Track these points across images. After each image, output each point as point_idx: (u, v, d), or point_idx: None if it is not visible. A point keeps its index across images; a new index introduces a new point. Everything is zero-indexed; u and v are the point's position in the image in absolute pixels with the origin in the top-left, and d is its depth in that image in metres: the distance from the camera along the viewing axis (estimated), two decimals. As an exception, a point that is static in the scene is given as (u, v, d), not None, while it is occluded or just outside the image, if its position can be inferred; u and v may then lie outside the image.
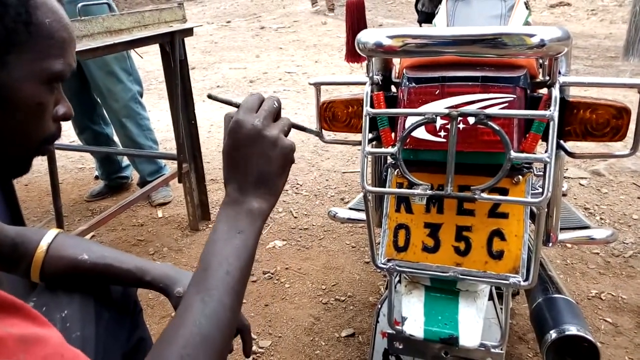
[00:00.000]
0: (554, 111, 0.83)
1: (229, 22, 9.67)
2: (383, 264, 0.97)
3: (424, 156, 0.96)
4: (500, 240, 0.92)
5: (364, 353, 1.56)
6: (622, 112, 0.92)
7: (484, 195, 0.85)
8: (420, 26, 2.17)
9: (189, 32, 2.08)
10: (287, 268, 2.02)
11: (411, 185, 0.90)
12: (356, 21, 1.52)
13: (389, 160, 1.03)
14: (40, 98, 0.57)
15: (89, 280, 0.83)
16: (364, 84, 0.99)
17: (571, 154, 1.02)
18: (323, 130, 1.15)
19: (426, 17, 2.20)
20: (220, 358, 0.55)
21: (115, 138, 2.70)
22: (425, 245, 0.96)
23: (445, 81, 0.93)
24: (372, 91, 0.98)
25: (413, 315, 0.96)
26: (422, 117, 0.86)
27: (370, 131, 0.96)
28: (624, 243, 2.06)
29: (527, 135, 0.89)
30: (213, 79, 5.58)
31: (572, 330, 0.96)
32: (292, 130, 0.66)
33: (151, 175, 2.61)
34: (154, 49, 2.15)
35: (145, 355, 0.53)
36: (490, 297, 1.03)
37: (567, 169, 2.72)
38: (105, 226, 2.35)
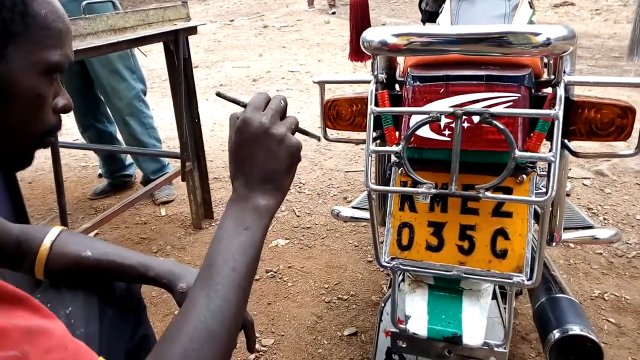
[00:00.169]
0: (558, 110, 0.83)
1: (232, 20, 9.68)
2: (387, 262, 0.97)
3: (428, 155, 0.96)
4: (504, 240, 0.92)
5: (367, 352, 1.56)
6: (627, 112, 0.92)
7: (488, 194, 0.85)
8: (424, 25, 2.16)
9: (192, 30, 2.08)
10: (289, 267, 2.03)
11: (415, 184, 0.90)
12: (360, 20, 1.52)
13: (393, 158, 1.03)
14: (40, 89, 0.57)
15: (93, 277, 0.83)
16: (369, 82, 0.99)
17: (575, 154, 1.01)
18: (327, 129, 1.15)
19: (430, 16, 2.20)
20: (225, 353, 0.55)
21: (119, 136, 2.71)
22: (429, 244, 0.96)
23: (450, 80, 0.93)
24: (376, 90, 0.98)
25: (416, 313, 0.96)
26: (426, 116, 0.86)
27: (374, 130, 0.96)
28: (627, 243, 2.06)
29: (532, 134, 0.89)
30: (216, 77, 5.58)
31: (575, 330, 0.96)
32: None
33: (154, 173, 2.62)
34: (158, 47, 2.15)
35: (149, 352, 0.54)
36: (494, 296, 1.03)
37: (570, 169, 2.72)
38: (108, 224, 2.36)
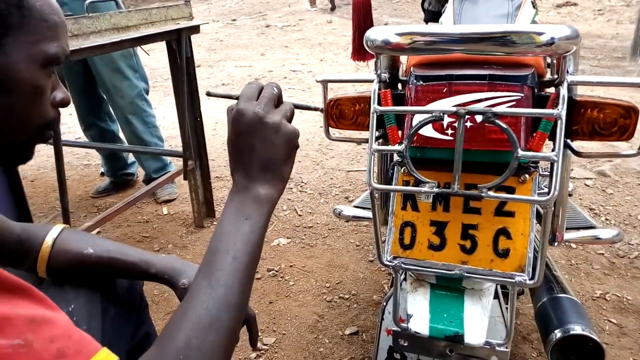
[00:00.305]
0: (561, 110, 0.83)
1: (234, 20, 9.68)
2: (389, 261, 0.97)
3: (431, 154, 0.96)
4: (506, 239, 0.92)
5: (368, 351, 1.56)
6: (630, 112, 0.92)
7: (491, 193, 0.85)
8: (427, 25, 2.16)
9: (195, 29, 2.08)
10: (291, 266, 2.03)
11: (418, 183, 0.90)
12: (362, 19, 1.52)
13: (396, 158, 1.03)
14: (38, 81, 0.57)
15: (95, 274, 0.83)
16: (372, 81, 1.00)
17: (578, 153, 1.01)
18: (330, 128, 1.15)
19: (432, 15, 2.19)
20: (228, 343, 0.55)
21: (121, 135, 2.71)
22: (431, 243, 0.96)
23: (453, 79, 0.93)
24: (379, 89, 0.99)
25: (418, 312, 0.96)
26: (429, 115, 0.86)
27: (377, 129, 0.97)
28: (629, 244, 2.06)
29: (535, 134, 0.89)
30: (218, 76, 5.59)
31: (577, 329, 0.96)
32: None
33: (156, 172, 2.62)
34: (161, 46, 2.16)
35: None
36: (496, 296, 1.03)
37: (572, 169, 2.71)
38: (110, 222, 2.36)
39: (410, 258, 0.97)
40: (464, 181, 0.93)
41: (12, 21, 0.54)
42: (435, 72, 0.96)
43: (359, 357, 1.54)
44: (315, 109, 0.77)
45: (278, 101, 0.65)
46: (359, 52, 1.48)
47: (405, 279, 1.05)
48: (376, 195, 0.98)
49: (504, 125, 0.82)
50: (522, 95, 0.90)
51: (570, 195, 1.85)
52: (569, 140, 1.00)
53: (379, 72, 1.00)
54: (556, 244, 1.14)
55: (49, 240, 0.81)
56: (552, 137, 0.86)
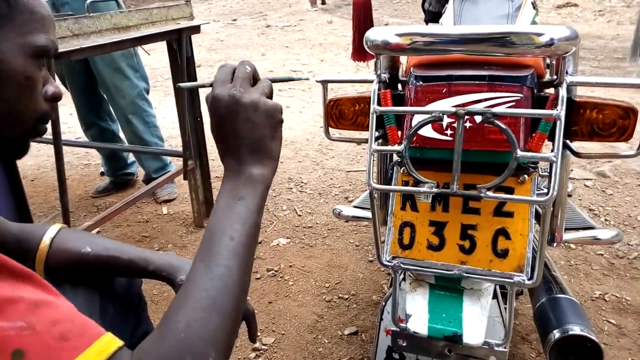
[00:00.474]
0: (560, 110, 0.83)
1: (235, 20, 9.68)
2: (388, 261, 0.98)
3: (430, 154, 0.96)
4: (505, 239, 0.92)
5: (367, 351, 1.56)
6: (629, 113, 0.92)
7: (490, 193, 0.85)
8: (427, 25, 2.17)
9: (196, 29, 2.09)
10: (290, 266, 2.03)
11: (417, 183, 0.91)
12: (363, 20, 1.52)
13: (395, 158, 1.03)
14: (29, 72, 0.58)
15: (93, 273, 0.83)
16: (372, 82, 1.00)
17: (577, 154, 1.02)
18: (330, 128, 1.16)
19: (433, 16, 2.20)
20: (230, 324, 0.53)
21: (121, 134, 2.72)
22: (430, 243, 0.96)
23: (453, 80, 0.93)
24: (379, 89, 0.99)
25: (417, 312, 0.96)
26: (429, 115, 0.87)
27: (376, 129, 0.97)
28: (629, 245, 2.06)
29: (534, 134, 0.90)
30: (218, 76, 5.58)
31: (575, 330, 0.96)
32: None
33: (156, 172, 2.62)
34: (161, 46, 2.16)
35: None
36: (495, 296, 1.03)
37: (572, 170, 2.71)
38: (110, 222, 2.36)
39: (409, 258, 0.97)
40: (463, 181, 0.93)
41: (0, 13, 0.55)
42: (435, 72, 0.96)
43: (358, 357, 1.54)
44: (299, 79, 0.75)
45: (254, 80, 0.64)
46: (359, 52, 1.49)
47: (404, 279, 1.05)
48: (375, 195, 0.98)
49: (503, 126, 0.82)
50: (522, 95, 0.90)
51: (569, 195, 1.85)
52: (568, 141, 1.00)
53: (378, 72, 1.00)
54: (555, 244, 1.15)
55: (46, 239, 0.81)
56: (552, 138, 0.86)
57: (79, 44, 1.55)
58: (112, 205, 2.06)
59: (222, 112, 0.61)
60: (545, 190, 0.84)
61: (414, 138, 0.93)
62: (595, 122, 0.94)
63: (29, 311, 0.44)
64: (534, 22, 1.49)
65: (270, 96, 0.63)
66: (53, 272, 0.82)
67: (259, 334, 1.64)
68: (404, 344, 0.98)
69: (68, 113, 3.70)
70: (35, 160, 3.27)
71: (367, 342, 1.60)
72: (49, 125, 0.66)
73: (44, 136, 0.69)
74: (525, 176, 0.92)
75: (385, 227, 1.02)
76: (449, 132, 0.92)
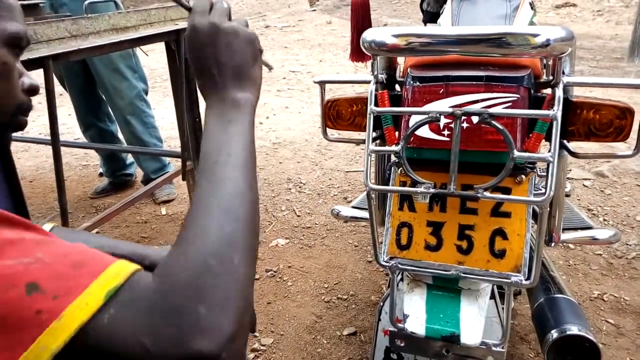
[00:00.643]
0: (557, 111, 0.84)
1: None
2: (386, 261, 0.98)
3: (428, 155, 0.96)
4: (503, 239, 0.92)
5: (366, 352, 1.56)
6: (625, 113, 0.92)
7: (487, 194, 0.86)
8: (425, 26, 2.17)
9: (194, 30, 2.08)
10: (289, 266, 2.03)
11: (414, 183, 0.91)
12: (361, 20, 1.53)
13: (393, 158, 1.03)
14: (4, 58, 0.59)
15: None
16: (369, 82, 1.00)
17: (574, 154, 1.02)
18: (327, 129, 1.16)
19: (431, 16, 2.20)
20: (248, 230, 0.51)
21: (120, 135, 2.72)
22: (428, 243, 0.96)
23: (450, 80, 0.94)
24: (376, 90, 0.99)
25: (415, 312, 0.97)
26: (426, 116, 0.87)
27: (374, 130, 0.97)
28: (627, 245, 2.06)
29: (531, 134, 0.90)
30: (217, 77, 5.58)
31: (573, 330, 0.96)
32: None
33: (155, 172, 2.62)
34: (160, 47, 2.16)
35: None
36: (492, 296, 1.04)
37: (570, 170, 2.72)
38: (109, 223, 2.36)
39: (407, 258, 0.97)
40: (461, 182, 0.93)
41: None
42: (432, 73, 0.96)
43: (357, 357, 1.54)
44: (267, 66, 0.72)
45: (229, 17, 0.63)
46: (358, 53, 1.49)
47: (402, 280, 1.05)
48: (373, 195, 0.98)
49: (500, 126, 0.82)
50: (518, 96, 0.90)
51: (568, 196, 1.85)
52: (565, 141, 1.00)
53: (375, 73, 1.00)
54: (553, 244, 1.15)
55: None
56: (549, 138, 0.86)
57: (77, 45, 1.55)
58: (110, 206, 2.06)
59: (203, 41, 0.60)
60: (543, 191, 0.84)
61: (411, 138, 0.93)
62: (592, 122, 0.95)
63: (34, 248, 0.43)
64: (532, 23, 1.49)
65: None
66: None
67: (257, 334, 1.64)
68: (402, 344, 0.98)
69: (67, 114, 3.70)
70: (34, 161, 3.27)
71: (366, 343, 1.60)
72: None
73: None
74: (523, 176, 0.93)
75: (383, 228, 1.02)
76: (446, 132, 0.92)
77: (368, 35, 0.92)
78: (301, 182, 2.79)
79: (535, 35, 0.81)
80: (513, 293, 0.98)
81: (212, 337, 0.43)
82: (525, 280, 0.89)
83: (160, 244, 2.24)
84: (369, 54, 0.97)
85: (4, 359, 0.40)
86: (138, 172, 2.89)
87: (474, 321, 0.93)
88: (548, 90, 0.97)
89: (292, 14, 9.77)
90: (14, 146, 2.62)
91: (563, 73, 0.90)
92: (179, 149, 2.24)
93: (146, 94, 2.58)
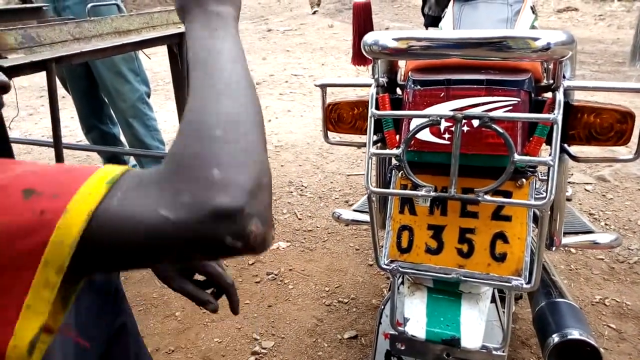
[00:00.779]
0: (557, 114, 0.84)
1: (236, 24, 9.70)
2: (386, 265, 0.98)
3: (428, 158, 0.96)
4: (503, 243, 0.92)
5: (367, 355, 1.56)
6: (626, 117, 0.92)
7: (488, 197, 0.86)
8: (427, 29, 2.17)
9: (196, 33, 2.09)
10: (290, 269, 2.03)
11: (415, 186, 0.91)
12: (363, 24, 1.53)
13: (394, 161, 1.04)
14: None
15: None
16: (370, 86, 1.00)
17: (575, 158, 1.02)
18: (328, 132, 1.16)
19: (433, 20, 2.21)
20: (246, 112, 0.49)
21: (122, 138, 2.72)
22: (429, 246, 0.96)
23: (450, 84, 0.94)
24: (377, 93, 0.99)
25: (415, 316, 0.96)
26: (426, 119, 0.87)
27: (375, 133, 0.97)
28: (629, 249, 2.06)
29: (531, 138, 0.90)
30: (219, 80, 5.59)
31: (574, 334, 0.96)
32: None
33: (157, 175, 2.62)
34: (162, 50, 2.16)
35: (128, 342, 0.49)
36: (493, 300, 1.03)
37: (572, 174, 2.72)
38: (110, 225, 2.36)
39: (407, 262, 0.97)
40: (461, 185, 0.93)
41: None
42: (433, 76, 0.97)
43: (358, 361, 1.54)
44: None
45: None
46: (360, 56, 1.49)
47: (402, 283, 1.05)
48: (374, 198, 0.99)
49: (501, 130, 0.82)
50: (519, 100, 0.90)
51: (569, 200, 1.85)
52: (565, 145, 1.00)
53: (376, 76, 1.00)
54: (554, 248, 1.15)
55: None
56: (549, 142, 0.86)
57: (80, 48, 1.56)
58: (112, 209, 2.06)
59: None
60: (544, 194, 0.84)
61: (412, 142, 0.93)
62: (593, 126, 0.95)
63: (21, 165, 0.43)
64: (533, 27, 1.49)
65: None
66: None
67: (258, 337, 1.64)
68: (403, 348, 0.98)
69: (69, 116, 3.71)
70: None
71: (366, 346, 1.60)
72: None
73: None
74: (523, 180, 0.93)
75: (384, 231, 1.02)
76: (446, 136, 0.93)
77: (369, 38, 0.93)
78: (303, 185, 2.79)
79: (535, 39, 0.81)
80: (514, 297, 0.98)
81: (231, 191, 0.42)
82: (526, 284, 0.89)
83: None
84: (370, 58, 0.97)
85: (26, 277, 0.38)
86: (140, 175, 2.89)
87: (475, 325, 0.93)
88: (549, 94, 0.97)
89: (294, 17, 9.80)
90: (16, 148, 2.63)
91: (564, 77, 0.91)
92: (180, 152, 2.24)
93: (148, 96, 2.59)
